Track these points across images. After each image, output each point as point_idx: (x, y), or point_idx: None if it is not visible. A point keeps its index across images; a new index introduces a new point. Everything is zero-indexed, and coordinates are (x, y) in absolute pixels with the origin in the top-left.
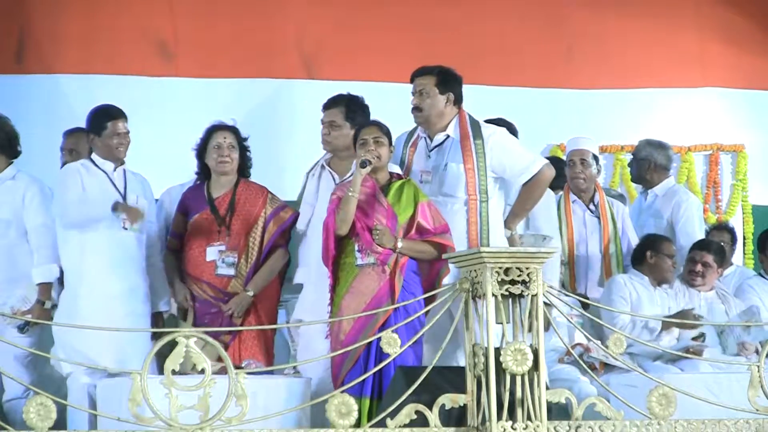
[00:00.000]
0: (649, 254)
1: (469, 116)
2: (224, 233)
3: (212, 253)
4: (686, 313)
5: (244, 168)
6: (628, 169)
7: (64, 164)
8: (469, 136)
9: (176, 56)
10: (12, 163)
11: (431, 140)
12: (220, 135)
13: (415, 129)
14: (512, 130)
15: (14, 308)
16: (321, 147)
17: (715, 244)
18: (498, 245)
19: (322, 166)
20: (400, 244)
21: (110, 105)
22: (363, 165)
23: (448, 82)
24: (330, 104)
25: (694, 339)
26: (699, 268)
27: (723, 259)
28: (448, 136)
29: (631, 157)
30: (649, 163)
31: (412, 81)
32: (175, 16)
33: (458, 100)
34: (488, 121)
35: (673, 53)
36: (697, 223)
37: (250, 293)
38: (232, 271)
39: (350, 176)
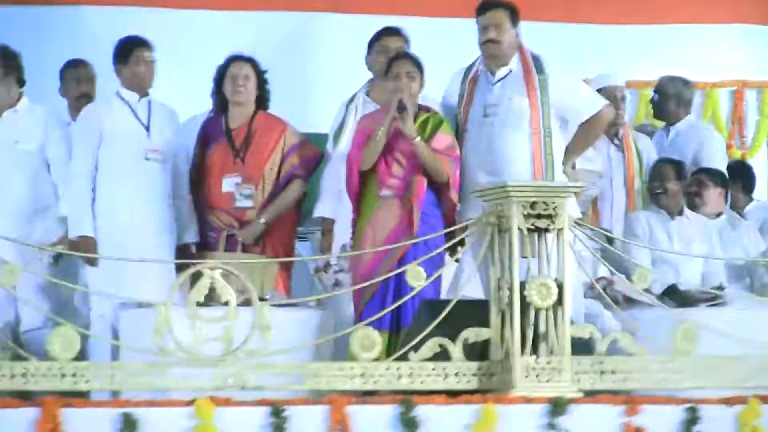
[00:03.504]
0: (655, 184)
1: (529, 51)
2: (240, 165)
3: (229, 184)
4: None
5: (262, 100)
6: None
7: (81, 95)
8: (532, 70)
9: None
10: (23, 93)
11: (493, 74)
12: (236, 65)
13: (473, 63)
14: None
15: (40, 241)
16: (347, 79)
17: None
18: (562, 180)
19: (363, 98)
20: (418, 139)
21: (136, 35)
22: (401, 111)
23: (516, 15)
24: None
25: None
26: (693, 188)
27: (723, 181)
28: (510, 71)
29: (654, 93)
30: (678, 99)
31: (482, 13)
32: None
33: (518, 35)
34: None
35: None
36: (720, 160)
37: (262, 221)
38: (250, 203)
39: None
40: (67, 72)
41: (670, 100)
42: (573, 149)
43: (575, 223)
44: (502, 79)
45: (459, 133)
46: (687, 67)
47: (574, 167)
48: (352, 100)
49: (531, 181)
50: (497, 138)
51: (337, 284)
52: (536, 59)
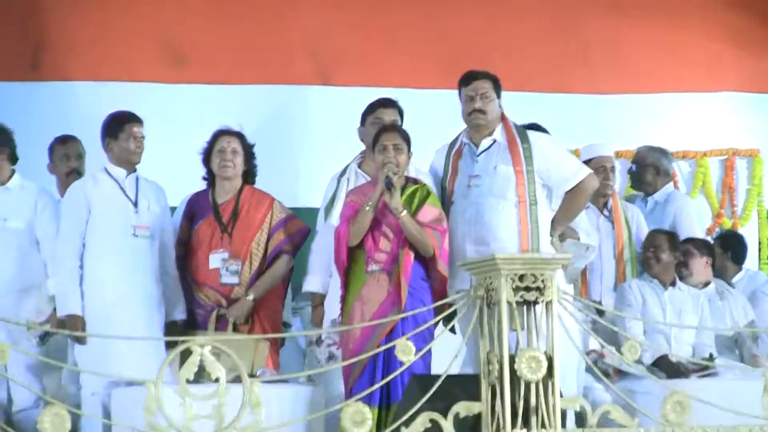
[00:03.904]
0: (645, 253)
1: (512, 122)
2: (227, 240)
3: (215, 260)
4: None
5: (249, 174)
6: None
7: (71, 171)
8: (517, 140)
9: (189, 63)
10: (14, 170)
11: (477, 146)
12: (224, 140)
13: (456, 138)
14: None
15: (28, 320)
16: (337, 152)
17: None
18: (548, 250)
19: (355, 171)
20: (404, 213)
21: (127, 111)
22: (388, 186)
23: (499, 87)
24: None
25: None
26: (680, 258)
27: (710, 250)
28: (495, 141)
29: (632, 163)
30: (656, 169)
31: (466, 84)
32: (188, 23)
33: (501, 106)
34: (525, 127)
35: (688, 59)
36: (698, 228)
37: (251, 298)
38: (236, 279)
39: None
40: (56, 148)
41: (647, 170)
42: (559, 219)
43: (564, 294)
44: (486, 149)
45: (446, 206)
46: (677, 136)
47: (562, 238)
48: (343, 173)
49: (519, 253)
50: (483, 207)
51: (331, 357)
52: (520, 129)
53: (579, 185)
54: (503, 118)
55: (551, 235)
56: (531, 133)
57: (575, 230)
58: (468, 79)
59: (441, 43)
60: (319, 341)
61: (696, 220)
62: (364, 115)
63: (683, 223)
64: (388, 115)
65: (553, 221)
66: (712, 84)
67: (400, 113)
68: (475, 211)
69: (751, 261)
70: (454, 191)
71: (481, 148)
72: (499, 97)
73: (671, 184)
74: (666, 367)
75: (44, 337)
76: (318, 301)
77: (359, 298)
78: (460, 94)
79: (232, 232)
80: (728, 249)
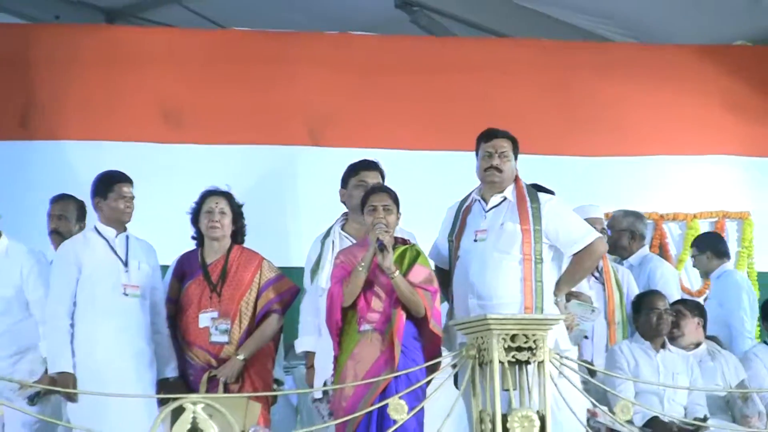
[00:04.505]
0: (635, 316)
1: (524, 183)
2: (216, 299)
3: (205, 319)
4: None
5: (238, 233)
6: None
7: (51, 231)
8: (526, 199)
9: (181, 123)
10: (1, 232)
11: (487, 203)
12: (212, 200)
13: (468, 195)
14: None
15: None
16: (327, 212)
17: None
18: (551, 309)
19: (339, 233)
20: (397, 273)
21: (116, 170)
22: (380, 248)
23: (517, 149)
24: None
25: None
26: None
27: (701, 311)
28: (505, 198)
29: (607, 228)
30: (631, 234)
31: (486, 140)
32: (181, 84)
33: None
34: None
35: (678, 121)
36: (674, 288)
37: (241, 357)
38: (225, 338)
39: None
40: (51, 207)
41: (623, 234)
42: (565, 280)
43: (556, 355)
44: (495, 206)
45: (452, 261)
46: (668, 198)
47: (568, 298)
48: (327, 235)
49: (510, 314)
50: (487, 262)
51: (332, 414)
52: (531, 190)
53: (587, 248)
54: (516, 178)
55: (555, 295)
56: (542, 195)
57: (583, 291)
58: (489, 136)
59: (430, 108)
60: (322, 399)
61: (672, 282)
62: (346, 178)
63: (658, 284)
64: (371, 178)
65: (558, 282)
66: (703, 147)
67: (382, 175)
68: (479, 266)
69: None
70: (460, 246)
71: (490, 205)
72: (516, 158)
73: (646, 247)
74: (658, 428)
75: (34, 398)
76: (311, 361)
77: (352, 357)
78: (477, 149)
79: (221, 291)
80: (706, 249)
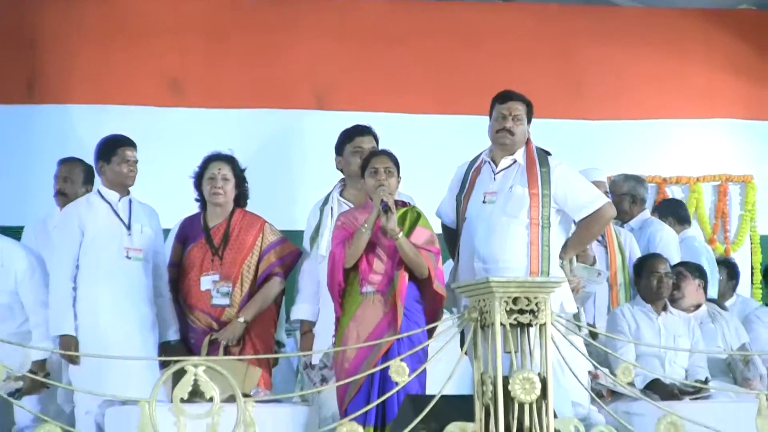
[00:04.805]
0: (636, 279)
1: (536, 147)
2: (218, 263)
3: (206, 282)
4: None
5: (240, 197)
6: None
7: (57, 192)
8: (536, 163)
9: (187, 87)
10: None
11: (497, 165)
12: (215, 166)
13: (478, 156)
14: None
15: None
16: (331, 176)
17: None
18: (557, 273)
19: (338, 199)
20: (401, 235)
21: (120, 134)
22: (385, 210)
23: (531, 113)
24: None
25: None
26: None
27: (701, 273)
28: (515, 161)
29: (608, 192)
30: (632, 198)
31: (502, 101)
32: (186, 49)
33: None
34: None
35: (682, 85)
36: (674, 251)
37: (242, 320)
38: (227, 301)
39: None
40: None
41: (624, 198)
42: (573, 244)
43: (558, 317)
44: (505, 169)
45: (458, 222)
46: (671, 162)
47: (573, 263)
48: (326, 201)
49: (513, 277)
50: (494, 225)
51: (324, 381)
52: (541, 154)
53: (595, 213)
54: (528, 141)
55: (561, 259)
56: (552, 159)
57: (592, 254)
58: (504, 97)
59: (435, 71)
60: (312, 365)
61: (672, 244)
62: (341, 145)
63: (658, 248)
64: (366, 143)
65: (564, 246)
66: (706, 111)
67: (376, 139)
68: (486, 229)
69: (743, 286)
70: (468, 207)
71: (500, 167)
72: (529, 122)
73: (646, 211)
74: (659, 390)
75: (15, 394)
76: (306, 328)
77: (354, 319)
78: (492, 109)
79: (223, 254)
80: (733, 277)
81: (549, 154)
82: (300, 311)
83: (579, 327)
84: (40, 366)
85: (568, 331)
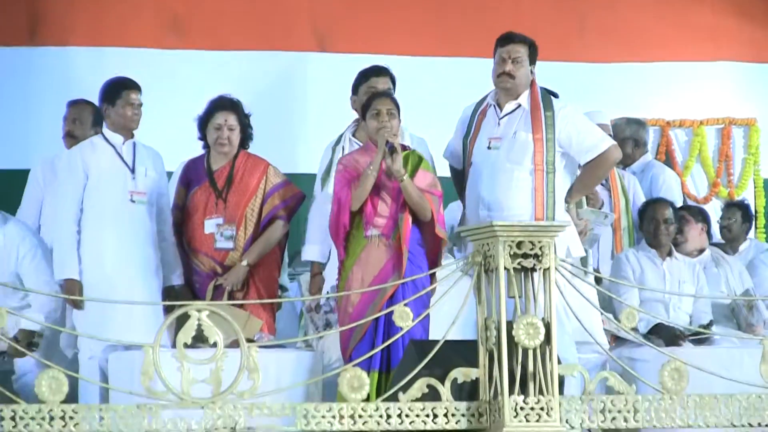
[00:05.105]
0: (643, 223)
1: (541, 88)
2: (221, 206)
3: (210, 225)
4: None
5: (244, 140)
6: None
7: (66, 134)
8: (540, 107)
9: (188, 29)
10: None
11: (501, 109)
12: (221, 116)
13: (484, 98)
14: None
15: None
16: (334, 118)
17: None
18: (563, 218)
19: (350, 139)
20: (406, 176)
21: (125, 77)
22: (391, 150)
23: (535, 53)
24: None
25: (702, 326)
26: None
27: (704, 217)
28: (519, 105)
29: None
30: (635, 141)
31: (502, 45)
32: None
33: (533, 73)
34: None
35: (685, 27)
36: (677, 194)
37: (245, 263)
38: (230, 244)
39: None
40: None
41: (627, 142)
42: (578, 188)
43: (561, 261)
44: (509, 113)
45: (464, 165)
46: (674, 104)
47: (580, 204)
48: (338, 141)
49: (518, 220)
50: (499, 172)
51: (328, 325)
52: (546, 96)
53: (600, 156)
54: (532, 83)
55: (566, 203)
56: (557, 101)
57: (601, 198)
58: (505, 40)
59: (439, 13)
60: (317, 308)
61: (674, 187)
62: (357, 84)
63: (661, 191)
64: (381, 84)
65: (570, 190)
66: (710, 53)
67: (393, 81)
68: (490, 176)
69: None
70: (473, 152)
71: (504, 111)
72: (533, 63)
73: (648, 154)
74: (663, 334)
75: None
76: (317, 269)
77: (358, 262)
78: (494, 53)
79: (226, 197)
80: (747, 219)
81: (556, 96)
82: (310, 252)
83: (585, 272)
84: (25, 335)
85: (572, 276)
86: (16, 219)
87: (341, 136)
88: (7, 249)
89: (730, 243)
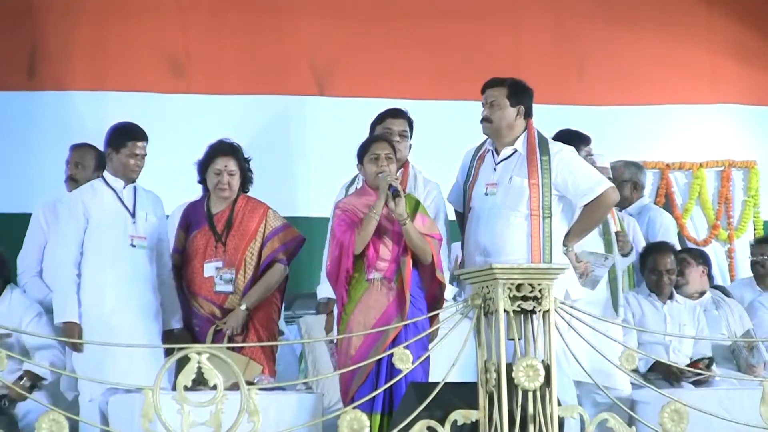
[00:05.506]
0: (644, 270)
1: (538, 132)
2: (221, 249)
3: (210, 269)
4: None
5: (244, 184)
6: None
7: (68, 177)
8: (536, 151)
9: (188, 72)
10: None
11: (498, 154)
12: (221, 162)
13: (483, 143)
14: (584, 140)
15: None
16: (333, 162)
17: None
18: (561, 262)
19: (363, 180)
20: (409, 220)
21: (133, 124)
22: (395, 195)
23: (520, 94)
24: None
25: (700, 364)
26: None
27: (705, 259)
28: (515, 151)
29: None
30: (633, 184)
31: (483, 92)
32: (187, 33)
33: (528, 113)
34: (558, 133)
35: (685, 69)
36: (674, 236)
37: (243, 307)
38: (230, 288)
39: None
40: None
41: (625, 185)
42: (576, 231)
43: (561, 304)
44: (505, 159)
45: (465, 210)
46: (673, 147)
47: (610, 250)
48: (352, 182)
49: (516, 263)
50: (495, 218)
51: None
52: (543, 141)
53: (598, 199)
54: (528, 127)
55: (565, 246)
56: (553, 145)
57: (629, 242)
58: (483, 86)
59: (438, 57)
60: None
61: (671, 230)
62: (373, 126)
63: (658, 233)
64: (397, 125)
65: (568, 233)
66: (710, 96)
67: (410, 123)
68: (486, 221)
69: (747, 271)
70: (472, 197)
71: (501, 157)
72: (520, 102)
73: (645, 197)
74: (662, 371)
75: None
76: (332, 307)
77: (359, 305)
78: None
79: (226, 241)
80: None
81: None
82: (326, 289)
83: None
84: (31, 376)
85: (571, 318)
86: (21, 290)
87: (356, 177)
88: (12, 315)
89: (761, 279)
